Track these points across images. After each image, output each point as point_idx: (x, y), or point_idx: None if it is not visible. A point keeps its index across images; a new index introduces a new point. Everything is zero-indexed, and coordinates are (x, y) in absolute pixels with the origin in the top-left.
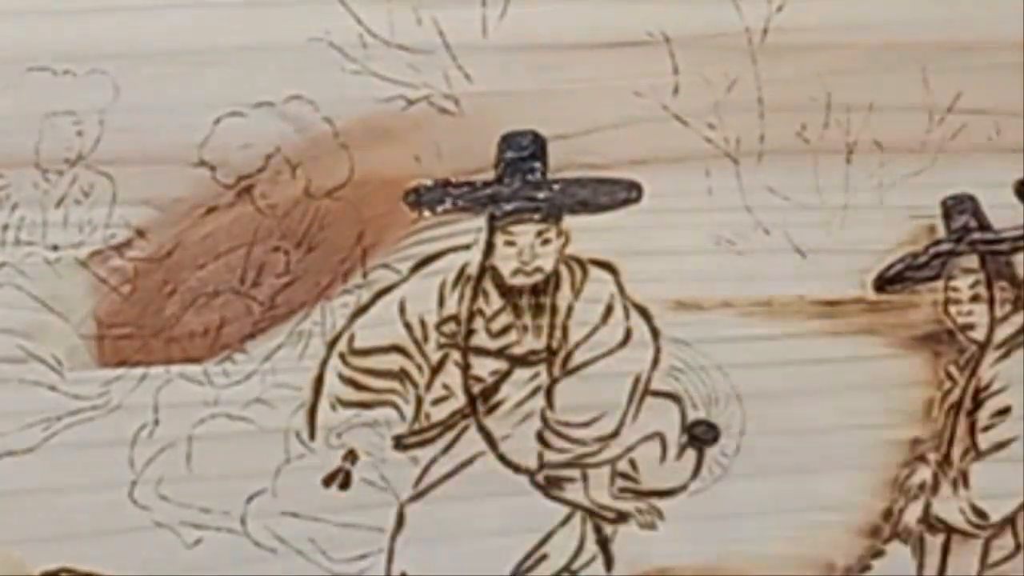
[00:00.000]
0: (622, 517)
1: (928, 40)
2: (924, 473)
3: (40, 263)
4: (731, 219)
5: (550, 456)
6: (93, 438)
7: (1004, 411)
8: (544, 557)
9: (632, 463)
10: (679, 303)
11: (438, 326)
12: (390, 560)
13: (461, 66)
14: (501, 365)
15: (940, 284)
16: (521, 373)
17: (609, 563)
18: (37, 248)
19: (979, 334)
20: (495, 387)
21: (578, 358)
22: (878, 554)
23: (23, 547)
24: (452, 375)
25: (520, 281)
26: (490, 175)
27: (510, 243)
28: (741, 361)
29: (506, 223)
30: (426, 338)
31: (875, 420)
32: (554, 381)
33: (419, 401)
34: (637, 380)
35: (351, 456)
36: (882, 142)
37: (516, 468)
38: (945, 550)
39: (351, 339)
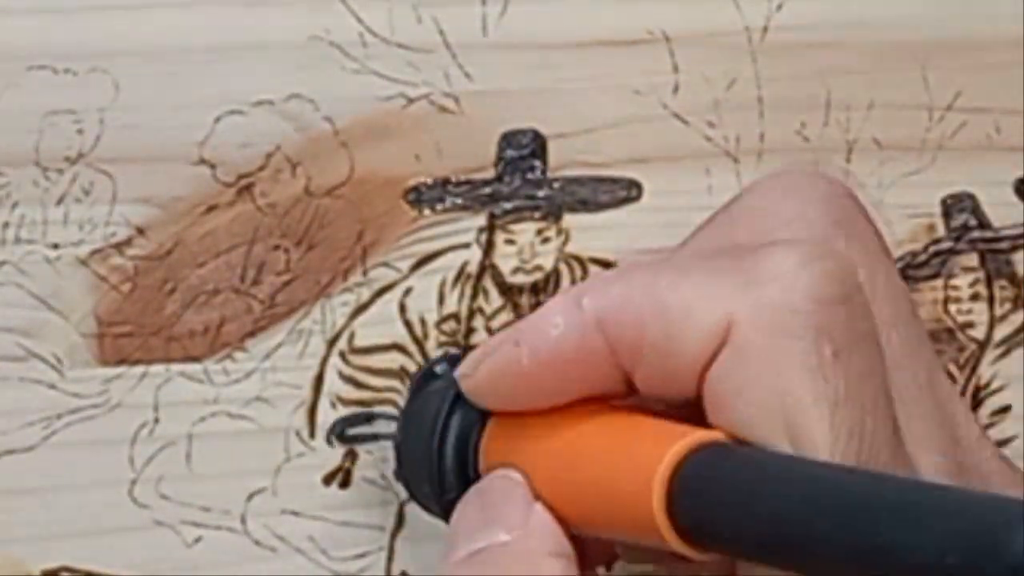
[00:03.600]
0: None
1: (928, 39)
2: None
3: (40, 261)
4: None
5: None
6: (93, 436)
7: (1004, 409)
8: None
9: None
10: None
11: (438, 324)
12: (390, 559)
13: (461, 64)
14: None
15: (940, 282)
16: None
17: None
18: (37, 246)
19: (979, 332)
20: None
21: None
22: None
23: (23, 546)
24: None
25: (520, 279)
26: (490, 173)
27: (510, 241)
28: None
29: (506, 221)
30: (426, 336)
31: None
32: None
33: None
34: None
35: (351, 455)
36: (882, 140)
37: None
38: None
39: (351, 337)
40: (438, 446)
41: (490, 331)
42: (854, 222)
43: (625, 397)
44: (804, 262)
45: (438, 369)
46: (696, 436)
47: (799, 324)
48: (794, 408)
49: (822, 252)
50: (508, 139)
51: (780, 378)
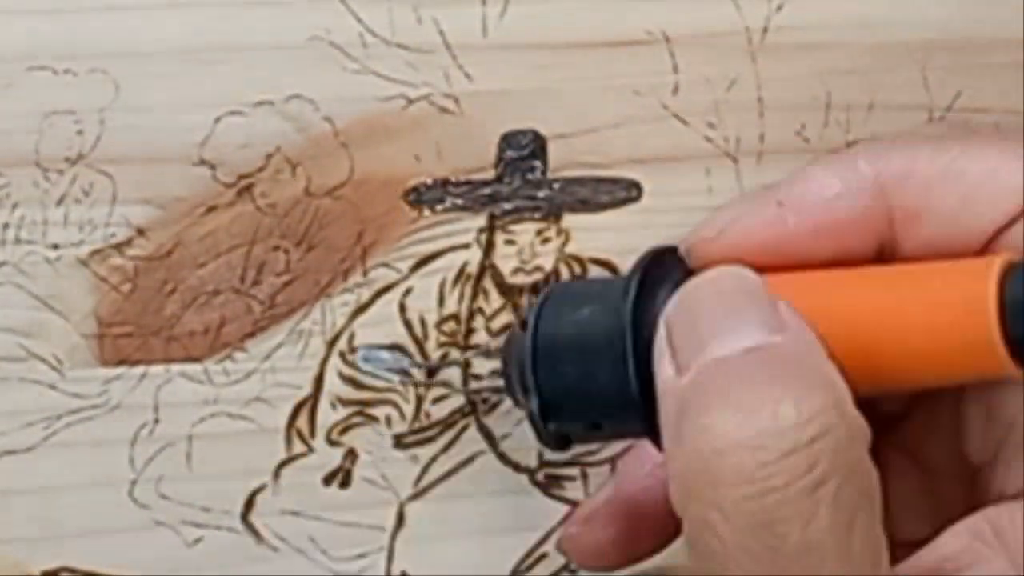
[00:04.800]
0: None
1: (928, 39)
2: None
3: (40, 262)
4: None
5: (550, 455)
6: (93, 437)
7: None
8: (544, 556)
9: None
10: None
11: (438, 324)
12: (390, 559)
13: (461, 65)
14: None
15: None
16: None
17: None
18: (37, 247)
19: None
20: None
21: None
22: None
23: (23, 546)
24: (452, 374)
25: (520, 280)
26: (490, 174)
27: (510, 242)
28: None
29: (506, 222)
30: (426, 336)
31: None
32: None
33: (419, 400)
34: None
35: (351, 455)
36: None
37: (516, 467)
38: None
39: (351, 338)
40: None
41: (490, 331)
42: None
43: (870, 263)
44: None
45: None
46: (1008, 254)
47: None
48: None
49: None
50: (508, 139)
51: None
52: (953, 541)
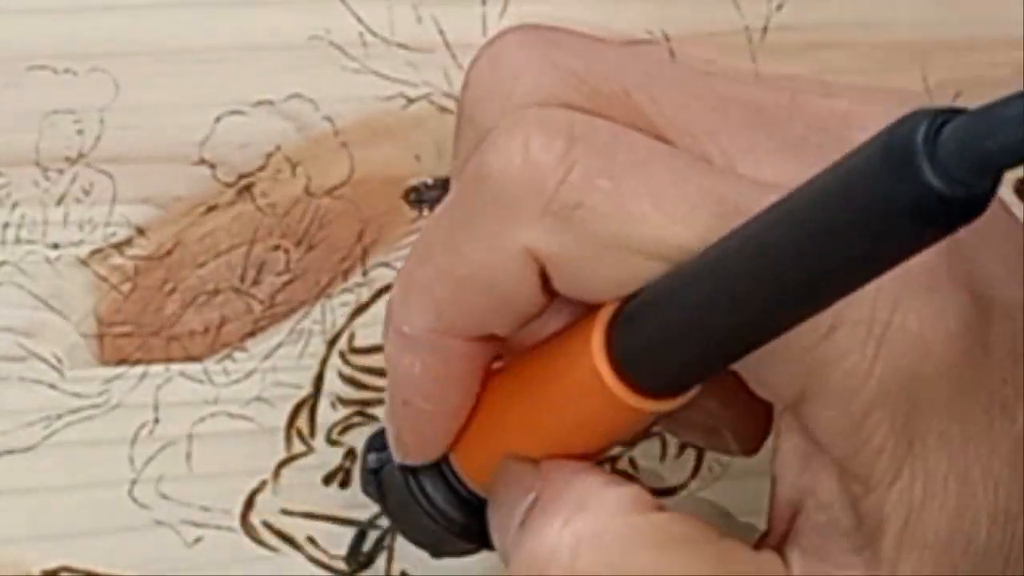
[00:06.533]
0: None
1: (928, 39)
2: None
3: (40, 261)
4: None
5: None
6: (93, 436)
7: None
8: None
9: (631, 462)
10: None
11: None
12: (390, 559)
13: (461, 65)
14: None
15: None
16: None
17: None
18: (37, 246)
19: None
20: None
21: None
22: None
23: (23, 545)
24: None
25: None
26: None
27: None
28: None
29: None
30: None
31: None
32: None
33: None
34: None
35: (351, 455)
36: None
37: None
38: None
39: (351, 337)
40: (430, 510)
41: None
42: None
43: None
44: (515, 149)
45: (373, 463)
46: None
47: (535, 196)
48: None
49: (516, 122)
50: None
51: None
52: (785, 469)
